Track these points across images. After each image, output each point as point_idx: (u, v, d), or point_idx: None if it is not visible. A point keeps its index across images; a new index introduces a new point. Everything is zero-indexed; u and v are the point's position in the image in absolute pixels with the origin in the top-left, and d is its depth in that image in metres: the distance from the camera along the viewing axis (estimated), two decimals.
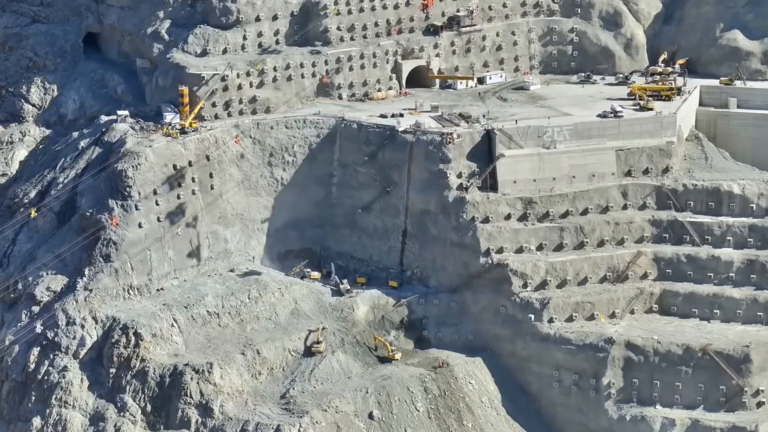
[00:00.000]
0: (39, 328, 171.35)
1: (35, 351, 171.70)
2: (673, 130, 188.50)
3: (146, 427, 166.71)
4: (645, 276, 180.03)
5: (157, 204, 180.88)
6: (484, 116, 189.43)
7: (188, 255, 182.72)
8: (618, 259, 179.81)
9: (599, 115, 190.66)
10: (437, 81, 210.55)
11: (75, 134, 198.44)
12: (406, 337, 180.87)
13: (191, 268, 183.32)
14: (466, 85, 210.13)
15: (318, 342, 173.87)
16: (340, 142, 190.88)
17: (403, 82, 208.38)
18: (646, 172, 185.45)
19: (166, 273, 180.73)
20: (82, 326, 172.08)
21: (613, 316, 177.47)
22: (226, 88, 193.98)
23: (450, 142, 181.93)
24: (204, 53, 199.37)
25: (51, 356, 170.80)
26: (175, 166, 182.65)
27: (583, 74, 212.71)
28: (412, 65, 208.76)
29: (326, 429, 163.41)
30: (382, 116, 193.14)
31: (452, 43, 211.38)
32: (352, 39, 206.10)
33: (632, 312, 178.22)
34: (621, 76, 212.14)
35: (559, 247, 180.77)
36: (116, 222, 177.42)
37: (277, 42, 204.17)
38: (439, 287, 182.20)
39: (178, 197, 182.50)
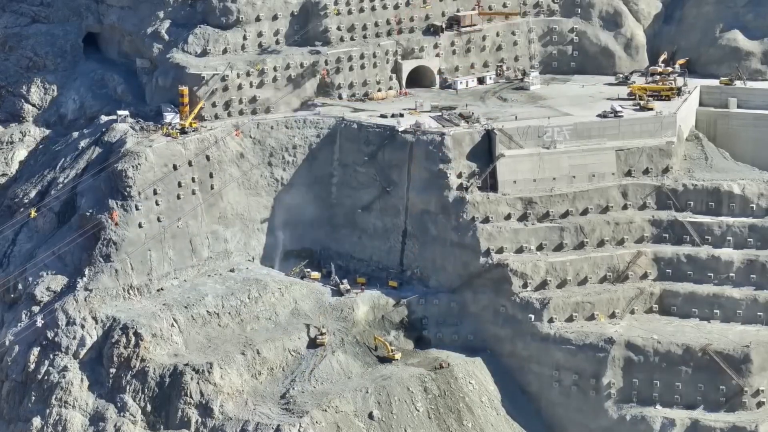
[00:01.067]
0: (40, 322, 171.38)
1: (35, 351, 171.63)
2: (673, 130, 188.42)
3: (146, 427, 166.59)
4: (645, 276, 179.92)
5: (157, 204, 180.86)
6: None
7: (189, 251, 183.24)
8: (618, 259, 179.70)
9: (599, 115, 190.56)
10: (437, 81, 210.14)
11: (75, 134, 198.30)
12: (406, 337, 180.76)
13: (191, 268, 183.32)
14: (466, 85, 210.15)
15: (322, 334, 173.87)
16: (340, 142, 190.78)
17: (403, 82, 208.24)
18: (646, 172, 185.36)
19: (166, 273, 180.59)
20: (82, 326, 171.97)
21: (613, 316, 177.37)
22: (226, 88, 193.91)
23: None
24: (204, 53, 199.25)
25: (51, 356, 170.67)
26: (175, 166, 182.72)
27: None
28: (412, 65, 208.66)
29: (326, 429, 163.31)
30: (382, 116, 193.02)
31: (452, 43, 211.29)
32: (352, 39, 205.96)
33: (632, 312, 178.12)
34: (621, 76, 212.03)
35: (559, 247, 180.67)
36: (116, 218, 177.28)
37: (277, 42, 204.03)
38: (439, 287, 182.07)
39: (178, 197, 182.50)
